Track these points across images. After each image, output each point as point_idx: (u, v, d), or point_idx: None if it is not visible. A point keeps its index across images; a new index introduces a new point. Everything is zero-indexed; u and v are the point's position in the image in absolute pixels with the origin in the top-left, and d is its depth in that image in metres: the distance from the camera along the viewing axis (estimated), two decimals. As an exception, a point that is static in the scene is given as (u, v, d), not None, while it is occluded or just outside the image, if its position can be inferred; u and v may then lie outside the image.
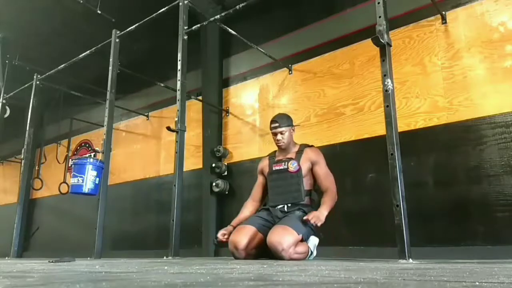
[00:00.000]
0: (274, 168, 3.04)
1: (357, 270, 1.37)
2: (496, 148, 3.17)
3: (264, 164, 3.18)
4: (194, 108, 5.29)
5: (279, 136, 3.02)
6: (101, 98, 5.28)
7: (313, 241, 2.81)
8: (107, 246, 4.61)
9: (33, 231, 7.44)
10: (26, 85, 5.63)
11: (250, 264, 1.91)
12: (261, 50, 4.40)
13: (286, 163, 2.98)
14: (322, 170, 2.96)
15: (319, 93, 4.31)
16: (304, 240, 2.73)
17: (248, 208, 3.13)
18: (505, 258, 2.60)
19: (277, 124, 3.02)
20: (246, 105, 4.97)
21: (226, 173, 4.82)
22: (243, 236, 2.76)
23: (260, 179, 3.19)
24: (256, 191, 3.17)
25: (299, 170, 2.93)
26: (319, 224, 2.66)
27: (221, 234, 2.93)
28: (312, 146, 3.12)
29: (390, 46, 2.51)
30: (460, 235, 3.20)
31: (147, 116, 6.13)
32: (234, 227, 2.95)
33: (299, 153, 3.02)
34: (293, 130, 3.11)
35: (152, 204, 5.63)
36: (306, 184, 2.95)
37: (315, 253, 2.82)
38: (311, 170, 2.99)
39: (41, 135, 7.10)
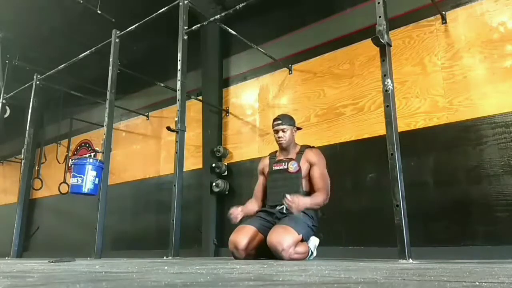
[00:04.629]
0: (274, 168, 3.04)
1: (357, 270, 1.37)
2: (496, 148, 3.17)
3: (264, 164, 3.18)
4: (194, 108, 5.29)
5: (280, 134, 3.01)
6: (101, 98, 5.28)
7: (314, 241, 2.81)
8: (107, 246, 4.61)
9: (33, 231, 7.44)
10: (26, 85, 5.63)
11: (250, 264, 1.91)
12: (261, 50, 4.40)
13: (287, 163, 2.98)
14: (318, 172, 2.92)
15: (319, 93, 4.31)
16: (304, 240, 2.73)
17: (254, 204, 3.11)
18: (505, 258, 2.60)
19: (279, 122, 3.03)
20: (246, 105, 4.97)
21: (226, 173, 4.82)
22: (243, 236, 2.76)
23: (261, 179, 3.18)
24: (258, 191, 3.16)
25: (299, 171, 2.93)
26: (294, 210, 2.62)
27: (235, 212, 2.88)
28: (313, 147, 3.10)
29: (390, 46, 2.51)
30: (460, 235, 3.19)
31: (147, 116, 6.13)
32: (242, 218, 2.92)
33: (300, 154, 3.01)
34: (295, 130, 3.11)
35: (152, 204, 5.63)
36: (306, 185, 2.94)
37: (315, 253, 2.82)
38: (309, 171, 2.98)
39: (41, 135, 7.10)
